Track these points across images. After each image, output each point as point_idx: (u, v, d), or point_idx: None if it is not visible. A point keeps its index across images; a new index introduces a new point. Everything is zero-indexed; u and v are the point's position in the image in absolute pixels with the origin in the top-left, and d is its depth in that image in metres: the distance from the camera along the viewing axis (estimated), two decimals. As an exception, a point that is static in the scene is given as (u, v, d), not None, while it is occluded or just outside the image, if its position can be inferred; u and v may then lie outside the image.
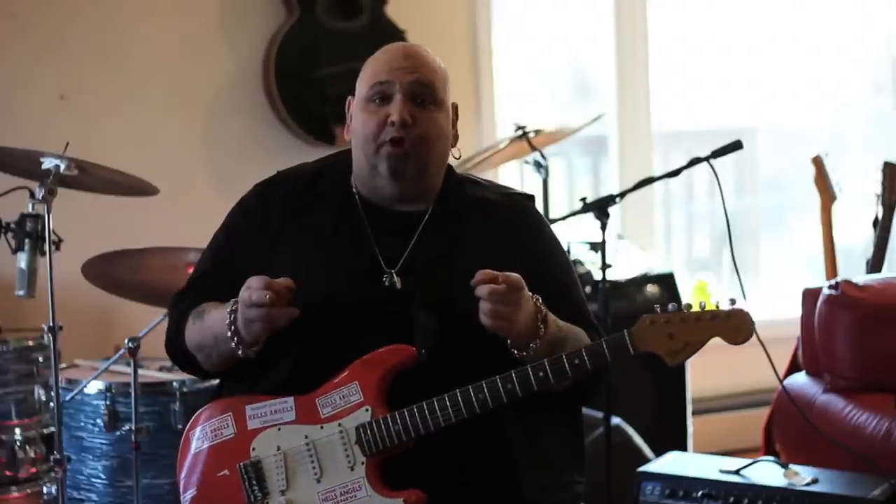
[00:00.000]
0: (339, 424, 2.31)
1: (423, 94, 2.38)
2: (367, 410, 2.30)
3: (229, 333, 2.32)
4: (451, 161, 2.50)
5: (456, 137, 2.48)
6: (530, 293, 2.30)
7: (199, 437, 2.40)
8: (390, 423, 2.28)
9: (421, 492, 2.27)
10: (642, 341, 2.26)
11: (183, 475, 2.41)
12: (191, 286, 2.52)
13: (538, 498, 2.38)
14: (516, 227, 2.47)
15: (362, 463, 2.29)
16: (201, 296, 2.46)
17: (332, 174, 2.50)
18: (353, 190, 2.46)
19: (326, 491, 2.30)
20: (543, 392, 2.31)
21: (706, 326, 2.26)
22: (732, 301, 2.26)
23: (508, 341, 2.30)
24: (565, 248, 2.61)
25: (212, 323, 2.38)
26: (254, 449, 2.34)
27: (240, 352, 2.34)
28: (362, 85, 2.42)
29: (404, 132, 2.35)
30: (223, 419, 2.38)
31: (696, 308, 2.27)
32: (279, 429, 2.34)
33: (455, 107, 2.48)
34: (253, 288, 2.27)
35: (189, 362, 2.48)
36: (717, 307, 2.26)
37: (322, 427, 2.32)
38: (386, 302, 2.36)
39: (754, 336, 3.27)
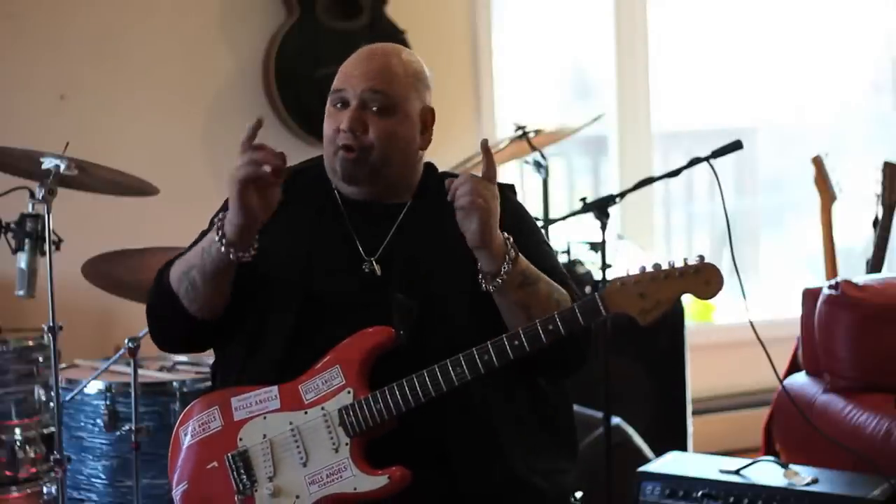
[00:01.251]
0: (323, 408, 2.34)
1: (375, 101, 2.42)
2: (349, 392, 2.34)
3: (217, 236, 2.29)
4: (433, 159, 2.55)
5: (428, 141, 2.51)
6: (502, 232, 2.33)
7: (188, 433, 2.44)
8: (372, 403, 2.31)
9: (405, 469, 2.30)
10: (614, 303, 2.28)
11: (174, 471, 2.45)
12: (172, 259, 2.50)
13: (522, 480, 2.41)
14: None
15: (346, 444, 2.33)
16: None
17: (313, 173, 2.55)
18: (333, 186, 2.51)
19: (313, 474, 2.34)
20: (528, 358, 2.32)
21: (675, 283, 2.27)
22: (701, 257, 2.28)
23: (480, 270, 2.32)
24: (559, 244, 2.62)
25: (198, 247, 2.37)
26: (241, 439, 2.38)
27: (230, 254, 2.29)
28: (331, 90, 2.49)
29: (354, 140, 2.41)
30: (210, 413, 2.41)
31: (665, 266, 2.28)
32: (265, 417, 2.37)
33: (430, 110, 2.50)
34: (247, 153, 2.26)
35: (168, 306, 2.41)
36: (686, 263, 2.27)
37: (306, 412, 2.35)
38: (365, 289, 2.41)
39: (754, 336, 3.30)
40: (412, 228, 2.46)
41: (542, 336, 2.28)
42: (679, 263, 2.27)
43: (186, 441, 2.44)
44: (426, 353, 2.33)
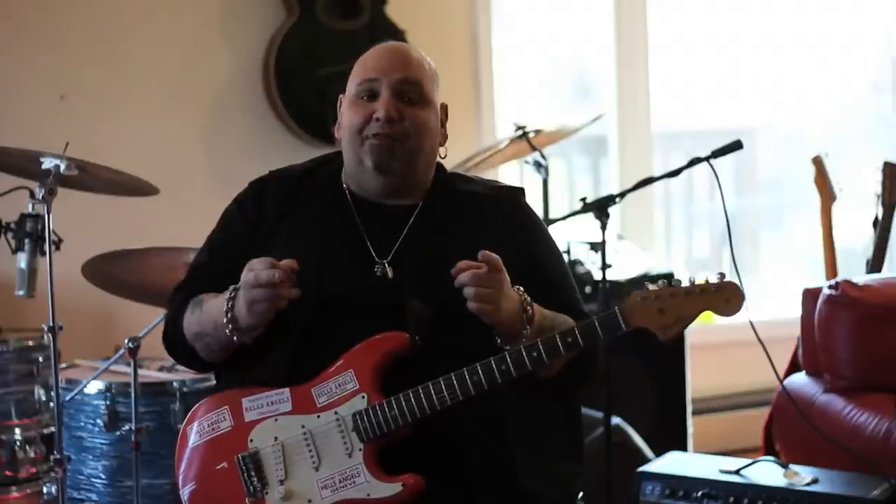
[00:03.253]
0: (336, 413, 2.32)
1: (410, 92, 2.42)
2: (363, 397, 2.32)
3: (225, 320, 2.33)
4: (439, 159, 2.54)
5: (445, 137, 2.52)
6: (516, 287, 2.32)
7: (197, 432, 2.41)
8: (386, 409, 2.30)
9: (419, 476, 2.29)
10: (634, 317, 2.26)
11: (181, 470, 2.42)
12: (188, 279, 2.54)
13: (535, 486, 2.40)
14: (506, 219, 2.50)
15: (360, 449, 2.31)
16: (199, 288, 2.48)
17: (324, 172, 2.54)
18: (344, 186, 2.50)
19: (325, 478, 2.31)
20: (533, 379, 2.33)
21: (696, 300, 2.27)
22: (722, 275, 2.28)
23: (497, 338, 2.32)
24: (559, 244, 2.62)
25: (210, 311, 2.39)
26: (251, 440, 2.36)
27: (235, 338, 2.34)
28: (352, 83, 2.47)
29: (389, 128, 2.39)
30: (220, 412, 2.39)
31: (685, 283, 2.27)
32: (276, 419, 2.35)
33: (445, 107, 2.52)
34: (257, 269, 2.28)
35: (187, 353, 2.48)
36: (707, 281, 2.27)
37: (319, 416, 2.33)
38: (378, 291, 2.39)
39: (754, 336, 3.29)
40: (424, 230, 2.45)
41: (561, 348, 2.27)
42: (700, 280, 2.27)
43: (194, 440, 2.41)
44: (439, 358, 2.31)
